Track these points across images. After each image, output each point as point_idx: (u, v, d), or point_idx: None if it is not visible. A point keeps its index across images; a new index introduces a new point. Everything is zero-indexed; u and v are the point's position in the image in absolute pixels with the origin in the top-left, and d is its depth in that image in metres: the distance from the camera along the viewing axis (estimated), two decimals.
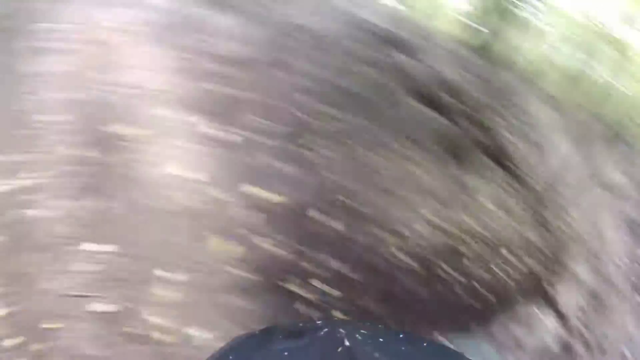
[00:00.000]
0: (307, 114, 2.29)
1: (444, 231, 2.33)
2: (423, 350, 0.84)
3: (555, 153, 4.68)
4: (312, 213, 1.94)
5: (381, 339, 0.75)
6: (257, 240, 1.79)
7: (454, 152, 2.83)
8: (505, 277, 2.48)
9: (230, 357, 0.73)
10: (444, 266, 2.17)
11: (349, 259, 1.88)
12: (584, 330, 3.26)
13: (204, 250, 1.74)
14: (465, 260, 2.30)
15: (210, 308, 1.56)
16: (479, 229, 2.56)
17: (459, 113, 2.93)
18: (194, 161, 2.04)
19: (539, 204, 3.51)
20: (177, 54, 2.28)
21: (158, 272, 1.58)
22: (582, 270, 3.84)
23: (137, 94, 2.06)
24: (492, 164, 3.48)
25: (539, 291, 3.09)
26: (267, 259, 1.77)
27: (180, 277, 1.61)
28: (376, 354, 0.66)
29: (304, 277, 1.77)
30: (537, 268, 2.80)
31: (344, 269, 1.84)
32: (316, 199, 1.99)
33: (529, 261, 2.78)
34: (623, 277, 4.38)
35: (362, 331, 0.73)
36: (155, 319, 1.45)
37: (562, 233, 3.74)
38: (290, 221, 1.90)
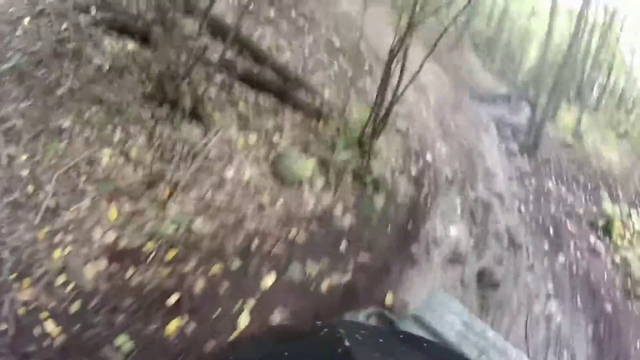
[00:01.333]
0: None
1: None
2: (423, 350, 0.84)
3: None
4: None
5: (381, 339, 0.75)
6: None
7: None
8: None
9: (231, 358, 0.73)
10: None
11: None
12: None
13: None
14: None
15: None
16: None
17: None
18: None
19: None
20: None
21: None
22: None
23: None
24: None
25: None
26: None
27: None
28: (376, 354, 0.66)
29: None
30: None
31: None
32: None
33: None
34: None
35: (362, 331, 0.73)
36: None
37: None
38: None
